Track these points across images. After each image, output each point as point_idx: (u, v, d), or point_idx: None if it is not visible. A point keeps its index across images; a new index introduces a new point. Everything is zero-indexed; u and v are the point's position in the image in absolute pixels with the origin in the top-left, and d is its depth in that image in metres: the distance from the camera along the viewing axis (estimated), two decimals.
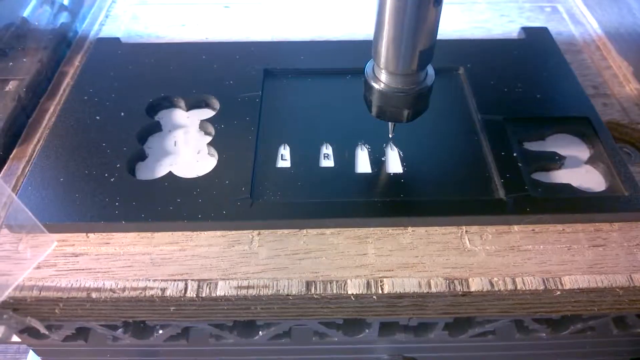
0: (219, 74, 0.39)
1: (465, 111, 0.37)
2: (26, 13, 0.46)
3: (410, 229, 0.31)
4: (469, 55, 0.40)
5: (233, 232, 0.31)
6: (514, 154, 0.34)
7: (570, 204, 0.31)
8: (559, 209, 0.31)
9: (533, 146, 0.36)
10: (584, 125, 0.36)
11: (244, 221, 0.31)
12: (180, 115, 0.38)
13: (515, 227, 0.31)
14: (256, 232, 0.31)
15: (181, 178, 0.33)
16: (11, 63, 0.41)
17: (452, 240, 0.31)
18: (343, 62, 0.40)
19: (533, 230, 0.31)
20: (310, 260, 0.29)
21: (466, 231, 0.31)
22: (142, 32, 0.46)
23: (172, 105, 0.38)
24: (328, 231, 0.31)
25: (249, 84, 0.38)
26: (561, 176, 0.34)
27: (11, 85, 0.40)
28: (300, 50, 0.41)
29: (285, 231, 0.31)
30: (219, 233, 0.31)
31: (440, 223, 0.31)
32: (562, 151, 0.35)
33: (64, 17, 0.47)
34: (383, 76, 0.30)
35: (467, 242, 0.30)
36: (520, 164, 0.33)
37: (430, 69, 0.30)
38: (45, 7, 0.47)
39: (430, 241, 0.30)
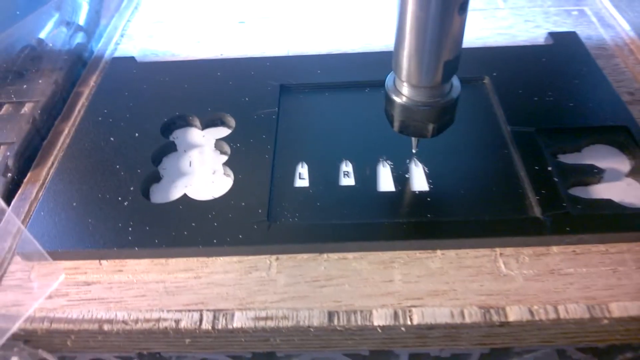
0: (235, 90, 0.38)
1: (493, 123, 0.35)
2: (43, 34, 0.46)
3: (439, 252, 0.29)
4: (494, 64, 0.38)
5: (250, 257, 0.29)
6: (549, 168, 0.31)
7: (614, 222, 0.29)
8: (602, 227, 0.29)
9: (568, 159, 0.33)
10: (622, 135, 0.34)
11: (261, 245, 0.29)
12: (195, 134, 0.37)
13: (554, 249, 0.29)
14: (274, 257, 0.29)
15: (196, 201, 0.31)
16: (26, 85, 0.41)
17: (485, 263, 0.28)
18: (361, 74, 0.38)
19: (574, 251, 0.29)
20: (332, 287, 0.28)
21: (500, 254, 0.29)
22: (157, 50, 0.45)
23: (187, 124, 0.37)
24: (350, 255, 0.29)
25: (265, 101, 0.37)
26: (601, 191, 0.32)
27: (27, 108, 0.39)
28: (317, 64, 0.39)
29: (305, 256, 0.29)
30: (235, 259, 0.29)
31: (472, 245, 0.29)
32: (600, 163, 0.32)
33: (79, 38, 0.47)
34: (405, 89, 0.28)
35: (502, 265, 0.28)
36: (556, 179, 0.31)
37: (455, 80, 0.29)
38: (62, 28, 0.47)
39: (461, 265, 0.28)
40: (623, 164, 0.33)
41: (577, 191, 0.31)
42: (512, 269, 0.28)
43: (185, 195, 0.32)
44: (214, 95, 0.38)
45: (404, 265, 0.28)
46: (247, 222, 0.30)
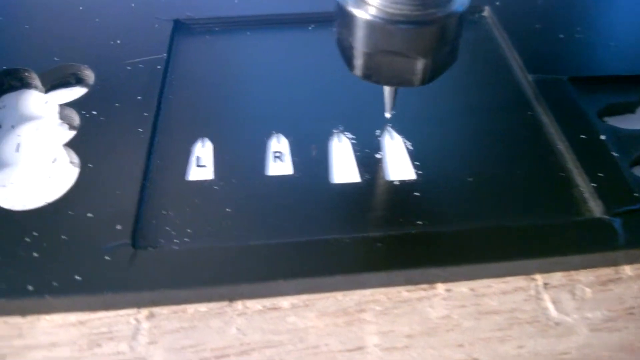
0: (100, 30, 0.24)
1: (505, 71, 0.23)
2: None
3: (441, 287, 0.16)
4: None
5: (100, 313, 0.16)
6: (602, 137, 0.20)
7: None
8: None
9: (618, 122, 0.22)
10: None
11: (120, 292, 0.16)
12: (33, 99, 0.23)
13: (628, 270, 0.17)
14: (144, 312, 0.16)
15: (10, 212, 0.18)
16: None
17: (520, 303, 0.16)
18: (300, 3, 0.25)
19: None
20: None
21: (544, 284, 0.17)
22: None
23: (22, 84, 0.23)
24: (286, 302, 0.16)
25: (148, 44, 0.23)
26: None
27: None
28: None
29: (202, 307, 0.16)
30: (72, 318, 0.16)
31: (497, 272, 0.17)
32: None
33: None
34: None
35: (550, 306, 0.16)
36: (615, 154, 0.19)
37: None
38: None
39: (481, 310, 0.16)
40: None
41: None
42: (567, 310, 0.16)
43: None
44: (67, 39, 0.23)
45: (381, 316, 0.16)
46: (94, 250, 0.16)
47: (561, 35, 0.24)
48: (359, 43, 0.16)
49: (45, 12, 0.25)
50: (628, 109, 0.22)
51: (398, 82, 0.17)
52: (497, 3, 0.26)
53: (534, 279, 0.17)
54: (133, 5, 0.25)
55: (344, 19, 0.16)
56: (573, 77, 0.22)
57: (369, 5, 0.15)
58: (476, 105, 0.21)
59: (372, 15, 0.15)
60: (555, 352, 0.15)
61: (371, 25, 0.15)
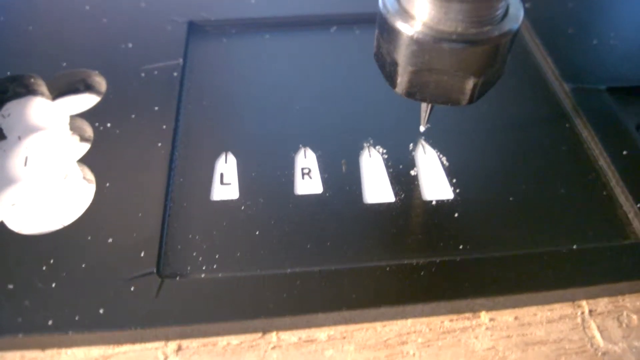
0: (111, 33, 0.22)
1: (538, 80, 0.22)
2: None
3: (484, 316, 0.16)
4: None
5: (125, 346, 0.15)
6: None
7: None
8: None
9: None
10: None
11: (146, 326, 0.15)
12: (40, 108, 0.21)
13: None
14: (173, 345, 0.15)
15: (19, 235, 0.16)
16: None
17: (568, 333, 0.15)
18: (324, 4, 0.24)
19: None
20: None
21: (590, 312, 0.16)
22: None
23: (28, 91, 0.22)
24: (323, 335, 0.15)
25: (162, 48, 0.22)
26: None
27: None
28: None
29: (234, 340, 0.15)
30: (95, 352, 0.15)
31: (542, 300, 0.16)
32: None
33: None
34: (421, 8, 0.14)
35: (597, 334, 0.15)
36: None
37: None
38: None
39: (527, 340, 0.15)
40: None
41: None
42: (615, 338, 0.15)
43: (2, 224, 0.17)
44: (76, 43, 0.22)
45: (423, 348, 0.15)
46: (117, 279, 0.15)
47: (595, 41, 0.23)
48: (404, 60, 0.15)
49: (50, 12, 0.24)
50: None
51: (444, 100, 0.16)
52: (527, 5, 0.24)
53: (579, 306, 0.16)
54: (143, 4, 0.24)
55: (387, 33, 0.15)
56: (611, 87, 0.21)
57: (417, 20, 0.14)
58: (512, 117, 0.20)
59: (421, 32, 0.14)
60: None
61: (420, 43, 0.14)
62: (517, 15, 0.15)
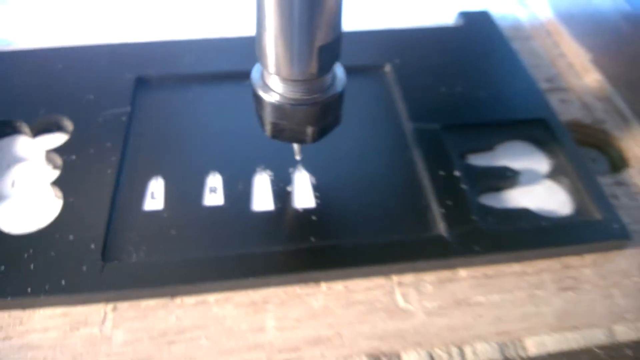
0: (77, 86, 0.30)
1: (394, 120, 0.30)
2: None
3: (324, 285, 0.23)
4: (397, 49, 0.33)
5: (79, 307, 0.22)
6: (456, 173, 0.26)
7: (530, 236, 0.24)
8: (516, 244, 0.24)
9: (480, 159, 0.28)
10: (539, 129, 0.29)
11: (92, 293, 0.22)
12: (23, 143, 0.29)
13: (462, 272, 0.24)
14: (110, 306, 0.22)
15: (8, 235, 0.24)
16: None
17: (380, 297, 0.23)
18: (238, 63, 0.31)
19: (485, 274, 0.24)
20: (183, 343, 0.21)
21: (399, 282, 0.23)
22: None
23: (14, 131, 0.29)
24: (211, 298, 0.22)
25: (115, 98, 0.29)
26: (516, 197, 0.27)
27: None
28: (184, 52, 0.32)
29: (152, 302, 0.22)
30: (59, 311, 0.22)
31: (364, 274, 0.23)
32: (515, 164, 0.28)
33: None
34: (274, 84, 0.22)
35: (400, 298, 0.23)
36: (463, 186, 0.26)
37: (339, 70, 0.23)
38: None
39: (350, 301, 0.23)
40: (541, 163, 0.29)
41: (490, 199, 0.27)
42: (412, 301, 0.23)
43: None
44: (50, 94, 0.30)
45: (279, 306, 0.22)
46: (73, 263, 0.22)
47: (442, 89, 0.31)
48: (267, 116, 0.22)
49: (32, 70, 0.31)
50: (488, 148, 0.29)
51: (296, 140, 0.23)
52: (397, 61, 0.32)
53: (391, 279, 0.23)
54: (103, 63, 0.31)
55: (256, 97, 0.22)
56: (445, 124, 0.29)
57: (272, 91, 0.22)
58: (368, 148, 0.28)
59: (275, 99, 0.22)
60: (398, 330, 0.22)
61: (274, 106, 0.22)
62: (342, 82, 0.22)
